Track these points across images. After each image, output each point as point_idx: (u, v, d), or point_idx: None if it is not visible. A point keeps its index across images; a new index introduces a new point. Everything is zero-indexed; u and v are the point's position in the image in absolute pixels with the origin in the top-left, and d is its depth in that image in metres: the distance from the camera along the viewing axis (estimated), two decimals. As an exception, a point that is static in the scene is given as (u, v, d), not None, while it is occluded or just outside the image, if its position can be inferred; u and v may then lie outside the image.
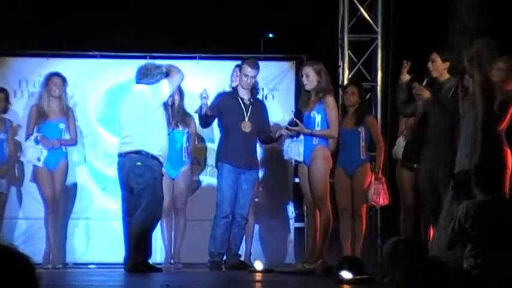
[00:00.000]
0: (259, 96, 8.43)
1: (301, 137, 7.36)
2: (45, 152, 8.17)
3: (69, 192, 8.80)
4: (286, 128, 7.48)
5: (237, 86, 8.09)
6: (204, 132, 8.86)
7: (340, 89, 8.82)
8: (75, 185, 8.92)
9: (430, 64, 7.10)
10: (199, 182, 9.09)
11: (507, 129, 6.28)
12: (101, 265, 8.71)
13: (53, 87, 8.27)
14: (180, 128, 8.34)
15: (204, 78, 8.84)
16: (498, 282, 5.08)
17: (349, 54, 9.40)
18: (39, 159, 8.17)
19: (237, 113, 7.97)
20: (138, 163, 7.25)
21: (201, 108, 7.81)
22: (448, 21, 6.89)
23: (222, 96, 8.16)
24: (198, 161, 9.03)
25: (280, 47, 11.03)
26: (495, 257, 5.23)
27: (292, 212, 9.26)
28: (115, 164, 7.54)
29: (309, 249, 7.76)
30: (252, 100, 8.06)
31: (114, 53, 9.32)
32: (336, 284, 5.34)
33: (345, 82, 9.18)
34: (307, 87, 7.48)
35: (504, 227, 5.34)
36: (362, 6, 9.37)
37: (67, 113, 8.38)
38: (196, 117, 8.14)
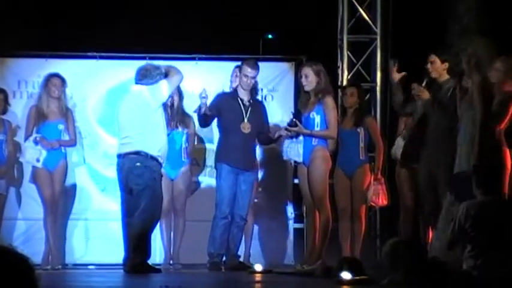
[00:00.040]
0: (259, 97, 8.42)
1: (301, 137, 7.36)
2: (44, 153, 8.16)
3: (69, 193, 8.79)
4: (286, 129, 7.48)
5: (237, 86, 8.09)
6: (203, 133, 8.86)
7: (339, 90, 8.82)
8: (74, 186, 8.91)
9: (429, 65, 7.10)
10: (198, 183, 9.09)
11: (506, 129, 6.29)
12: (100, 266, 8.70)
13: (52, 88, 8.26)
14: (180, 129, 8.33)
15: (203, 79, 8.83)
16: (498, 282, 5.08)
17: (348, 54, 9.39)
18: (38, 160, 8.16)
19: (236, 114, 7.97)
20: (138, 164, 7.25)
21: (200, 107, 7.81)
22: (447, 21, 6.89)
23: (221, 97, 8.15)
24: (197, 162, 9.02)
25: (280, 48, 11.06)
26: (495, 258, 5.23)
27: (292, 213, 9.26)
28: (114, 164, 7.54)
29: (308, 250, 7.76)
30: (251, 101, 8.06)
31: (113, 54, 9.32)
32: (335, 285, 5.34)
33: (344, 83, 9.19)
34: (307, 88, 7.47)
35: (504, 227, 5.35)
36: (361, 7, 9.37)
37: (66, 113, 8.37)
38: (195, 117, 8.14)
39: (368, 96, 9.16)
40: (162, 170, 7.58)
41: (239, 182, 7.92)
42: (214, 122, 8.14)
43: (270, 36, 14.42)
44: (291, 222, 9.25)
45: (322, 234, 7.31)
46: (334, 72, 9.22)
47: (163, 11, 11.15)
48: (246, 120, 7.97)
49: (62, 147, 8.34)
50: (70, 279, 7.12)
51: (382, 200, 8.12)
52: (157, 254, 8.47)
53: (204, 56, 9.33)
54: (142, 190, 7.22)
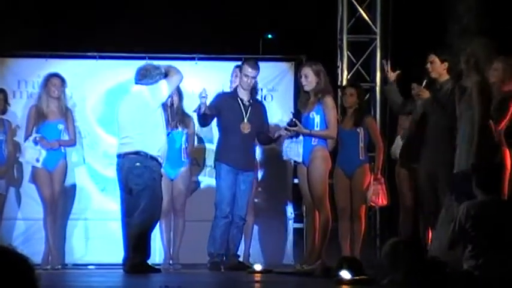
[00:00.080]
0: (258, 97, 8.42)
1: (301, 137, 7.35)
2: (44, 153, 8.16)
3: (68, 193, 8.79)
4: (285, 129, 7.47)
5: (237, 86, 8.09)
6: (203, 132, 8.86)
7: (339, 90, 8.82)
8: (74, 186, 8.91)
9: (428, 65, 7.10)
10: (198, 183, 9.09)
11: (506, 130, 6.29)
12: (99, 266, 8.70)
13: (52, 88, 8.26)
14: (179, 129, 8.33)
15: (203, 79, 8.83)
16: (499, 282, 5.08)
17: (348, 54, 9.40)
18: (38, 160, 8.16)
19: (236, 114, 7.97)
20: (137, 164, 7.24)
21: (199, 107, 7.81)
22: (446, 21, 6.89)
23: (221, 97, 8.15)
24: (197, 162, 9.03)
25: (279, 48, 11.06)
26: (496, 257, 5.23)
27: (291, 213, 9.26)
28: (114, 164, 7.53)
29: (308, 250, 7.75)
30: (251, 101, 8.06)
31: (113, 54, 9.32)
32: (335, 285, 5.34)
33: (344, 82, 9.19)
34: (306, 88, 7.47)
35: (504, 227, 5.34)
36: (361, 7, 9.37)
37: (66, 113, 8.37)
38: (195, 117, 8.14)
39: (368, 96, 9.17)
40: (162, 170, 7.57)
41: (238, 182, 7.92)
42: (214, 122, 8.14)
43: (269, 36, 14.42)
44: (290, 222, 9.25)
45: (322, 234, 7.31)
46: (334, 72, 9.23)
47: (163, 11, 11.15)
48: (245, 120, 7.97)
49: (62, 147, 8.34)
50: (70, 279, 7.12)
51: (381, 200, 8.12)
52: (157, 254, 8.47)
53: (203, 56, 9.34)
54: (142, 190, 7.22)
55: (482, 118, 6.04)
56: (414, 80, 7.20)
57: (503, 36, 6.83)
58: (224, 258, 7.98)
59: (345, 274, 5.28)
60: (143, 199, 7.20)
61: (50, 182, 8.22)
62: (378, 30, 9.34)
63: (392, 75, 7.42)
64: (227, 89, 8.35)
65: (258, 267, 7.29)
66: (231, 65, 8.43)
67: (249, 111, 7.99)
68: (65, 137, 8.35)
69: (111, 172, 8.11)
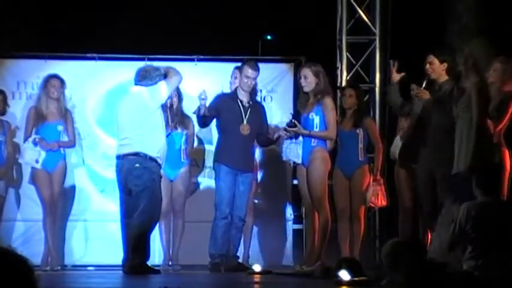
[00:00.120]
0: (258, 98, 8.42)
1: (300, 138, 7.35)
2: (43, 154, 8.16)
3: (68, 194, 8.79)
4: (285, 130, 7.47)
5: (237, 87, 8.08)
6: (202, 134, 8.86)
7: (338, 91, 8.82)
8: (73, 187, 8.91)
9: (428, 66, 7.09)
10: (197, 184, 9.09)
11: (506, 130, 6.29)
12: (99, 267, 8.69)
13: (51, 89, 8.26)
14: (179, 130, 8.33)
15: (203, 80, 8.83)
16: (499, 283, 5.08)
17: (347, 55, 9.39)
18: (37, 161, 8.16)
19: (235, 115, 7.97)
20: (137, 165, 7.24)
21: (199, 108, 7.81)
22: (446, 22, 6.89)
23: (221, 98, 8.15)
24: (196, 163, 9.03)
25: (279, 49, 11.05)
26: (496, 258, 5.23)
27: (291, 214, 9.26)
28: (113, 166, 7.53)
29: (308, 251, 7.76)
30: (251, 102, 8.05)
31: (112, 55, 9.32)
32: (335, 286, 5.34)
33: (343, 83, 9.18)
34: (306, 89, 7.47)
35: (505, 228, 5.34)
36: (360, 8, 9.36)
37: (65, 115, 8.37)
38: (194, 118, 8.14)
39: (367, 97, 9.16)
40: (161, 171, 7.57)
41: (237, 183, 7.92)
42: (214, 123, 8.14)
43: (269, 37, 14.41)
44: (290, 223, 9.25)
45: (321, 235, 7.31)
46: (333, 73, 9.22)
47: (163, 11, 11.15)
48: (245, 121, 7.97)
49: (61, 148, 8.34)
50: (69, 281, 7.11)
51: (381, 201, 8.12)
52: (156, 255, 8.47)
53: (203, 57, 9.33)
54: (141, 191, 7.21)
55: (480, 119, 6.04)
56: (414, 81, 7.20)
57: (503, 36, 6.82)
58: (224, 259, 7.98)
59: (345, 275, 5.28)
60: (142, 200, 7.19)
61: (49, 183, 8.22)
62: (377, 31, 9.33)
63: (396, 76, 7.40)
64: (227, 90, 8.35)
65: (257, 268, 7.29)
66: (230, 66, 8.43)
67: (248, 113, 7.99)
68: (65, 138, 8.34)
69: (110, 173, 8.11)
